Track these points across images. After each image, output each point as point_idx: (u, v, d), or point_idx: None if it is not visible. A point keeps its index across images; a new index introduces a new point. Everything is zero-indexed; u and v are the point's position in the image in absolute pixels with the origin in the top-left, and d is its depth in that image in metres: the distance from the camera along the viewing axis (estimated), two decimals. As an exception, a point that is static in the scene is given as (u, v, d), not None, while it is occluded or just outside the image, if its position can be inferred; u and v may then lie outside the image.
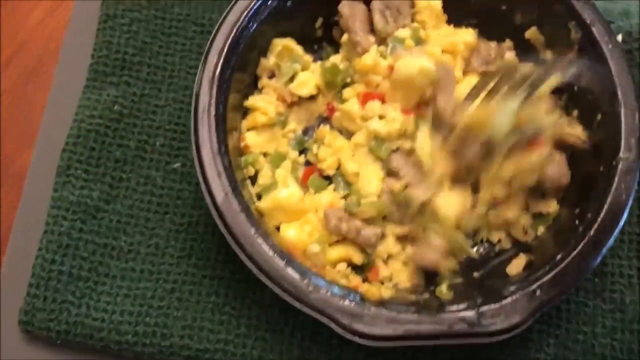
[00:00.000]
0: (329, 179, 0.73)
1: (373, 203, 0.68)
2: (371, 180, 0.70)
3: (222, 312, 0.69)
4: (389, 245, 0.70)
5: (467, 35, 0.76)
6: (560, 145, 0.69)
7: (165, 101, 0.76)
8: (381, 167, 0.72)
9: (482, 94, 0.66)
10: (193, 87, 0.76)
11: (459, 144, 0.67)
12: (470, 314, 0.59)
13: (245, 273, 0.70)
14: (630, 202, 0.62)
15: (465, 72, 0.76)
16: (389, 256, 0.71)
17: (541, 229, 0.70)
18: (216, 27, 0.67)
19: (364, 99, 0.73)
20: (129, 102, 0.75)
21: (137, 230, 0.72)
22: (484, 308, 0.59)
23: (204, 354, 0.67)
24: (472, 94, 0.67)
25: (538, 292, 0.60)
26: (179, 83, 0.77)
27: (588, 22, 0.68)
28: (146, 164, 0.74)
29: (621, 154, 0.64)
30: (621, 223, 0.62)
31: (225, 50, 0.66)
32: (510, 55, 0.75)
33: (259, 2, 0.69)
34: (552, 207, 0.70)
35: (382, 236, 0.70)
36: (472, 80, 0.72)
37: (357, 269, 0.70)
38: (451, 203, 0.69)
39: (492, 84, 0.66)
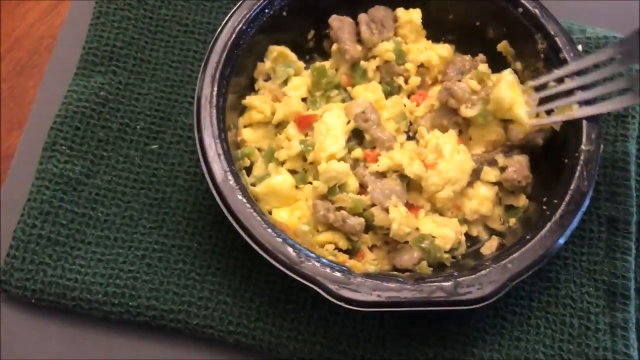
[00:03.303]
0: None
1: (351, 197, 0.78)
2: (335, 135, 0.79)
3: (188, 278, 0.77)
4: (374, 236, 0.80)
5: (443, 49, 0.89)
6: (523, 147, 0.81)
7: (147, 90, 0.87)
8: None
9: None
10: (174, 79, 0.90)
11: None
12: (448, 284, 0.68)
13: (211, 245, 0.79)
14: (591, 189, 0.73)
15: (441, 82, 0.88)
16: (374, 245, 0.80)
17: (512, 221, 0.81)
18: (218, 31, 0.79)
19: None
20: (114, 89, 0.86)
21: (113, 203, 0.81)
22: (461, 279, 0.69)
23: (168, 314, 0.75)
24: None
25: (509, 265, 0.69)
26: (162, 75, 0.88)
27: (552, 33, 0.80)
28: (126, 145, 0.84)
29: (583, 146, 0.74)
30: (584, 207, 0.73)
31: (226, 51, 0.77)
32: (483, 67, 0.86)
33: (257, 10, 0.81)
34: (521, 201, 0.80)
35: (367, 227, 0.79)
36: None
37: (343, 251, 0.79)
38: (432, 222, 0.79)
39: None
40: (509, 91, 0.77)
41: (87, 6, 0.93)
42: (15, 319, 0.78)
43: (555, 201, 0.73)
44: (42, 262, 0.77)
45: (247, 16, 0.79)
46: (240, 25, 0.78)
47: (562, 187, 0.73)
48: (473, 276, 0.68)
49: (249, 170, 0.83)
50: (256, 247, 0.69)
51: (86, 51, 0.88)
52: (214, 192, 0.71)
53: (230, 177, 0.71)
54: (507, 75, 0.80)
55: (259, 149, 0.84)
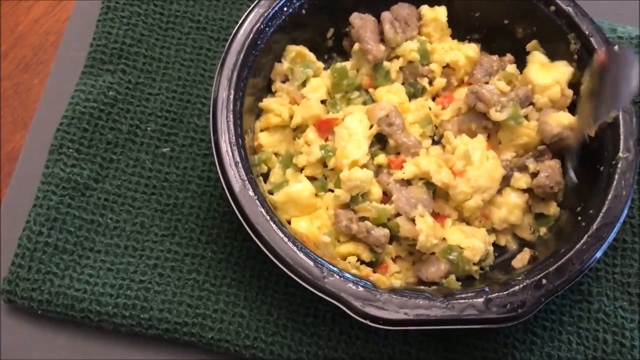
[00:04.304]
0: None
1: (375, 206, 0.75)
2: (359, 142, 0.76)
3: (202, 289, 0.74)
4: (398, 247, 0.77)
5: (470, 49, 0.85)
6: (555, 152, 0.77)
7: (158, 90, 0.84)
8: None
9: None
10: (186, 78, 0.87)
11: None
12: (479, 300, 0.65)
13: (226, 253, 0.75)
14: (630, 199, 0.70)
15: (468, 83, 0.85)
16: (397, 256, 0.77)
17: (543, 230, 0.78)
18: (234, 30, 0.75)
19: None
20: (124, 88, 0.83)
21: (123, 209, 0.78)
22: (493, 295, 0.66)
23: (182, 328, 0.72)
24: None
25: (544, 281, 0.67)
26: (173, 74, 0.85)
27: (587, 33, 0.77)
28: (136, 147, 0.81)
29: (620, 154, 0.71)
30: (622, 217, 0.70)
31: (244, 52, 0.74)
32: (511, 68, 0.83)
33: (275, 9, 0.77)
34: (552, 209, 0.76)
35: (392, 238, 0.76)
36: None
37: (366, 263, 0.76)
38: (459, 232, 0.75)
39: None
40: (542, 70, 0.74)
41: (94, 0, 0.89)
42: (20, 331, 0.74)
43: (591, 212, 0.70)
44: (49, 271, 0.74)
45: (266, 15, 0.75)
46: (258, 25, 0.75)
47: (597, 196, 0.70)
48: (505, 292, 0.65)
49: (265, 176, 0.79)
50: (277, 262, 0.66)
51: (94, 49, 0.85)
52: (231, 202, 0.68)
53: (248, 186, 0.68)
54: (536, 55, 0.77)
55: (276, 154, 0.81)
